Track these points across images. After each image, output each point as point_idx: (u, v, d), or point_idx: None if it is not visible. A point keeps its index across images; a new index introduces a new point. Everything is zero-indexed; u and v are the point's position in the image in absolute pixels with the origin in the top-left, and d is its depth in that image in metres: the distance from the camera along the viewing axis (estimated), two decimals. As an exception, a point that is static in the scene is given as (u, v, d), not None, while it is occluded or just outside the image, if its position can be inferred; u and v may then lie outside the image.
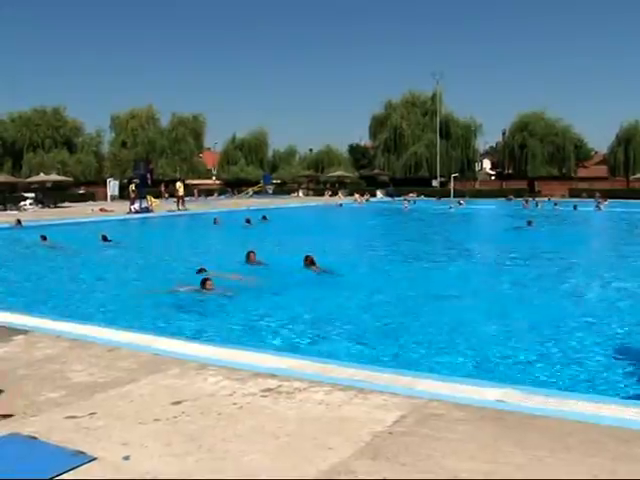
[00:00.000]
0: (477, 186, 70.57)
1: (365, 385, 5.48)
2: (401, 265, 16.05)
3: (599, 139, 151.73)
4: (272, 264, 14.69)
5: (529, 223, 25.96)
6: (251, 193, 63.59)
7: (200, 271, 12.88)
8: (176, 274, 13.74)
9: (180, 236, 25.28)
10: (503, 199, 56.61)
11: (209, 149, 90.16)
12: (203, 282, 11.24)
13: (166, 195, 55.76)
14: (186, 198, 42.65)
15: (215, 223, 29.23)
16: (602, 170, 70.36)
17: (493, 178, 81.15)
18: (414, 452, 4.16)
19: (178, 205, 40.29)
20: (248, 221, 28.26)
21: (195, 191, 61.40)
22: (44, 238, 20.37)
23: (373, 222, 35.29)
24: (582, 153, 73.02)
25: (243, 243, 18.70)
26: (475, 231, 29.92)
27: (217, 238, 24.19)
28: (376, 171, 71.57)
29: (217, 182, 78.57)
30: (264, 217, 30.77)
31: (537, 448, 4.19)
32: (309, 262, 13.50)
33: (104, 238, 20.87)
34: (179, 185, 42.31)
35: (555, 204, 42.61)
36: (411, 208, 44.37)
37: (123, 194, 46.87)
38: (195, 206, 42.89)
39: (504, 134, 76.58)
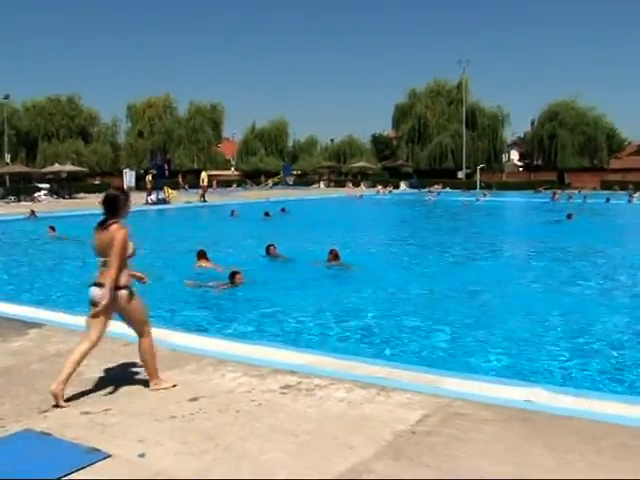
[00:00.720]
0: (504, 178, 69.97)
1: (387, 383, 5.47)
2: (426, 259, 15.93)
3: (633, 129, 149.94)
4: (293, 257, 14.71)
5: (569, 217, 25.42)
6: (271, 184, 63.72)
7: (200, 255, 13.46)
8: (190, 267, 13.79)
9: (197, 228, 25.32)
10: (531, 191, 56.08)
11: (228, 139, 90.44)
12: (232, 275, 11.25)
13: (185, 186, 56.04)
14: (191, 189, 42.63)
15: (232, 215, 29.30)
16: (636, 161, 69.40)
17: (521, 170, 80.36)
18: (438, 453, 4.13)
19: (203, 197, 40.33)
20: (267, 214, 28.23)
21: (213, 182, 61.68)
22: (52, 229, 20.52)
23: (397, 214, 35.20)
24: (615, 143, 72.02)
25: (262, 236, 18.77)
26: (509, 224, 29.53)
27: (235, 231, 24.26)
28: (399, 162, 71.28)
29: (236, 173, 78.84)
30: (283, 209, 30.85)
31: (567, 451, 4.15)
32: (333, 256, 13.49)
33: None
34: (204, 175, 42.43)
35: (585, 197, 42.10)
36: (436, 200, 44.14)
37: (139, 185, 47.13)
38: (213, 198, 43.02)
39: (533, 124, 75.90)
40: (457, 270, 14.25)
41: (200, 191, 41.29)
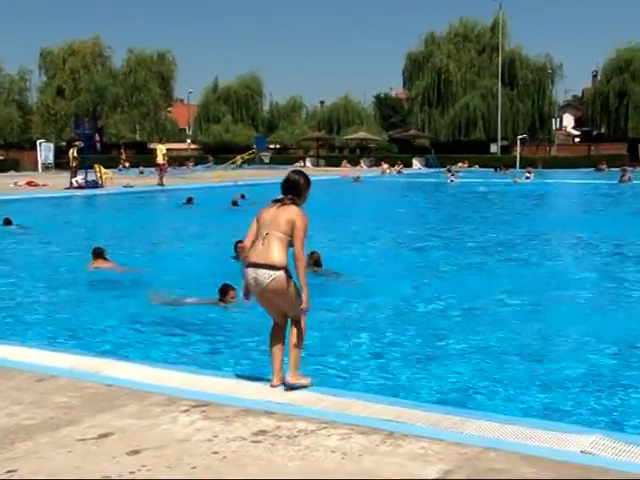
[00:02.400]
0: (554, 152, 70.38)
1: (396, 427, 5.48)
2: (442, 265, 16.08)
3: None
4: None
5: None
6: (239, 162, 63.57)
7: (96, 255, 14.01)
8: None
9: (139, 222, 25.29)
10: (591, 170, 56.18)
11: (181, 101, 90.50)
12: (224, 291, 11.19)
13: (126, 164, 55.92)
14: (146, 169, 42.44)
15: (188, 204, 29.47)
16: None
17: (577, 140, 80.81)
18: (465, 523, 4.17)
19: (161, 179, 40.62)
20: (235, 203, 28.52)
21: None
22: None
23: (406, 203, 35.24)
24: None
25: (227, 232, 18.82)
26: (557, 217, 29.31)
27: (191, 225, 24.27)
28: (412, 132, 71.63)
29: (193, 147, 78.91)
30: (242, 196, 30.56)
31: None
32: (313, 261, 13.56)
33: (6, 222, 21.39)
34: (160, 149, 42.47)
35: None
36: (461, 182, 44.28)
37: (61, 162, 47.05)
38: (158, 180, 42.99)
39: (595, 77, 76.34)
40: (483, 280, 14.31)
41: (157, 172, 41.62)
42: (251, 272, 6.46)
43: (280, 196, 6.67)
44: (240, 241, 14.92)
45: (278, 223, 6.43)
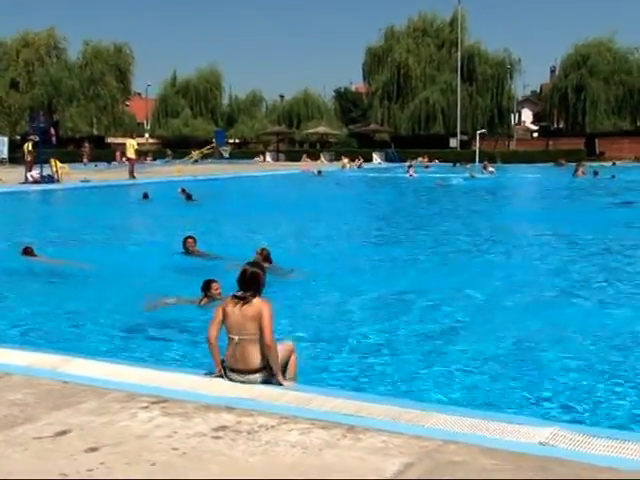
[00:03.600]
0: (513, 146, 70.98)
1: (356, 421, 5.51)
2: (398, 258, 16.32)
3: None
4: (220, 255, 15.06)
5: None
6: (195, 157, 63.13)
7: (26, 252, 14.39)
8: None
9: (95, 217, 25.07)
10: (550, 164, 56.74)
11: (139, 94, 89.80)
12: (206, 286, 10.97)
13: (85, 159, 55.33)
14: (104, 164, 42.34)
15: (145, 199, 29.51)
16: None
17: (536, 135, 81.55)
18: (425, 516, 4.19)
19: (132, 173, 40.71)
20: (189, 197, 28.73)
21: (118, 154, 61.16)
22: None
23: (366, 197, 35.52)
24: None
25: (182, 227, 18.96)
26: (510, 210, 29.88)
27: (146, 220, 24.19)
28: (372, 126, 71.90)
29: (152, 141, 78.40)
30: (182, 190, 30.22)
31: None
32: (262, 258, 13.61)
33: None
34: (132, 143, 42.63)
35: (595, 173, 42.57)
36: (419, 177, 44.52)
37: (15, 156, 46.49)
38: (117, 175, 42.79)
39: (553, 72, 77.08)
40: (440, 271, 14.70)
41: (128, 166, 41.66)
42: (239, 377, 6.55)
43: (239, 292, 6.67)
44: (189, 237, 15.19)
45: (245, 326, 6.53)
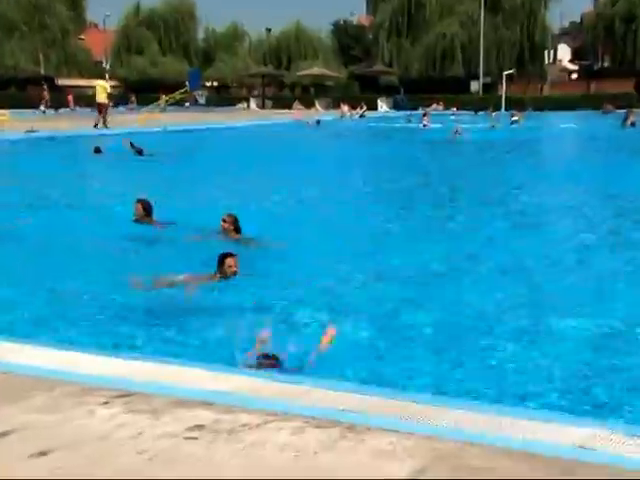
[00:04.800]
0: (547, 90, 70.69)
1: (358, 418, 5.46)
2: (406, 228, 16.54)
3: None
4: (179, 224, 15.09)
5: None
6: (163, 105, 62.67)
7: None
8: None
9: (31, 176, 24.94)
10: (593, 111, 56.17)
11: (96, 26, 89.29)
12: (222, 261, 11.05)
13: (42, 106, 54.94)
14: (53, 110, 42.03)
15: (96, 153, 29.65)
16: None
17: (575, 76, 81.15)
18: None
19: (104, 121, 40.99)
20: (139, 151, 29.01)
21: (70, 98, 60.93)
22: None
23: (369, 153, 35.37)
24: None
25: (140, 189, 19.00)
26: (548, 171, 29.61)
27: (94, 180, 24.15)
28: (378, 67, 71.61)
29: (112, 83, 77.74)
30: (130, 144, 30.47)
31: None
32: (228, 225, 13.75)
33: None
34: (103, 86, 42.57)
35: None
36: (434, 127, 44.38)
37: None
38: (69, 123, 42.63)
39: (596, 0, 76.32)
40: (457, 243, 14.77)
41: (98, 113, 41.82)
42: None
43: None
44: (140, 201, 15.28)
45: None
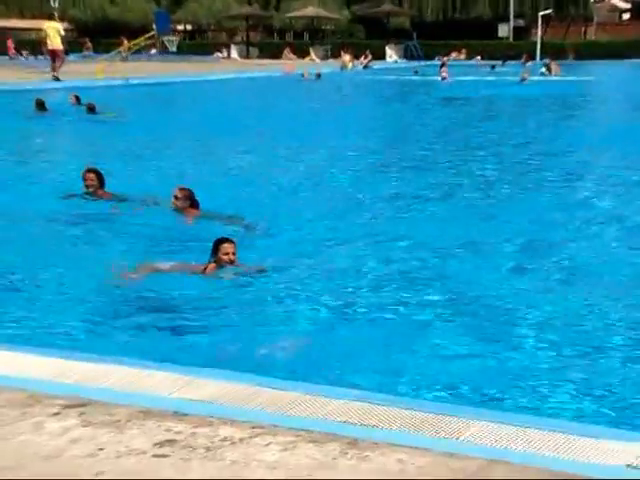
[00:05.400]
0: (592, 35, 70.30)
1: (361, 432, 5.33)
2: (412, 199, 16.28)
3: None
4: (130, 198, 14.97)
5: None
6: (125, 53, 62.54)
7: None
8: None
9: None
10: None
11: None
12: (216, 248, 10.75)
13: (18, 52, 55.32)
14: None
15: (40, 110, 29.25)
16: None
17: (627, 17, 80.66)
18: None
19: (56, 69, 40.58)
20: (91, 108, 28.63)
21: (10, 43, 60.98)
22: None
23: (371, 113, 35.35)
24: None
25: (83, 153, 19.54)
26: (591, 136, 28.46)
27: (35, 142, 24.13)
28: (386, 7, 71.25)
29: (62, 26, 77.84)
30: (76, 98, 30.47)
31: None
32: (181, 202, 13.65)
33: None
34: (55, 28, 41.92)
35: None
36: (454, 80, 44.28)
37: None
38: (13, 74, 42.62)
39: None
40: (474, 220, 14.32)
41: (50, 59, 41.55)
42: None
43: None
44: (90, 170, 15.06)
45: None
